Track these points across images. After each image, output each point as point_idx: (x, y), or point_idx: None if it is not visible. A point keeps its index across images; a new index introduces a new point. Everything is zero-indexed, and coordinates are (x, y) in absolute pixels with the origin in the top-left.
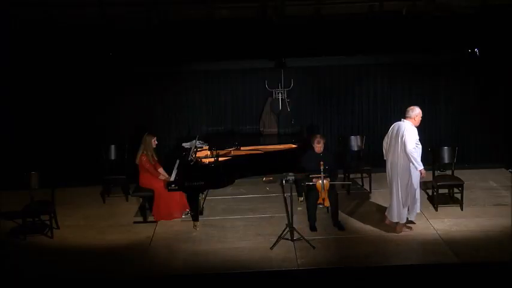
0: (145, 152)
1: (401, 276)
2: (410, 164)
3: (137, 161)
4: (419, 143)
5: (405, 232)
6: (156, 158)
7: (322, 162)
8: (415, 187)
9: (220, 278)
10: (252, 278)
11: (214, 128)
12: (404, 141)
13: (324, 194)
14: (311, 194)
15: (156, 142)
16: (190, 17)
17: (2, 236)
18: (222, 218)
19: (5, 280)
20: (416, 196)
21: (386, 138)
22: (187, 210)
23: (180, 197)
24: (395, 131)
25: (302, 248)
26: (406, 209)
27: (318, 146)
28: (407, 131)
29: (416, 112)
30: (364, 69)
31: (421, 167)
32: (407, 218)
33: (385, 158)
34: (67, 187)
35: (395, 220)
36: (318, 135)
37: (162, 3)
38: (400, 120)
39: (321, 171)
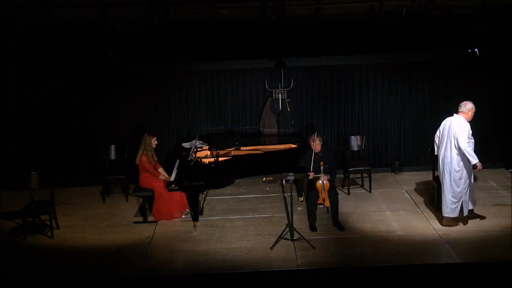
0: (145, 152)
1: (401, 276)
2: (462, 157)
3: (137, 161)
4: (472, 138)
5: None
6: (156, 158)
7: (322, 162)
8: (468, 181)
9: (221, 278)
10: (252, 278)
11: (214, 128)
12: (457, 136)
13: (324, 194)
14: (311, 194)
15: (156, 142)
16: (190, 17)
17: (2, 236)
18: (222, 218)
19: (5, 280)
20: (470, 189)
21: (438, 133)
22: (187, 210)
23: (180, 197)
24: (447, 126)
25: (302, 248)
26: (459, 204)
27: (315, 145)
28: (460, 126)
29: (468, 107)
30: (364, 69)
31: (476, 160)
32: (462, 211)
33: (436, 153)
34: (67, 187)
35: (446, 214)
36: (314, 134)
37: (162, 3)
38: (451, 115)
39: (321, 171)
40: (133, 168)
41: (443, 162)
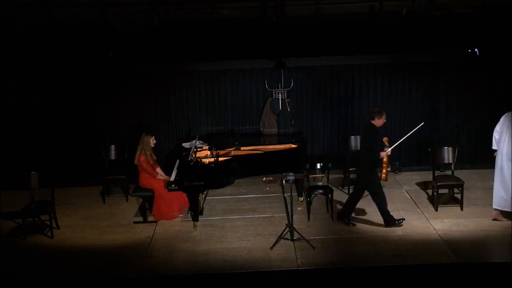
0: (143, 151)
1: (401, 276)
2: None
3: (136, 161)
4: None
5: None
6: (154, 158)
7: (386, 138)
8: None
9: (221, 278)
10: (252, 278)
11: (214, 128)
12: None
13: (386, 169)
14: (376, 188)
15: (154, 141)
16: (190, 17)
17: (2, 236)
18: (222, 218)
19: (5, 280)
20: None
21: (497, 127)
22: (187, 209)
23: (180, 196)
24: (507, 121)
25: (302, 248)
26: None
27: (383, 120)
28: None
29: None
30: (364, 69)
31: None
32: None
33: (494, 148)
34: (67, 187)
35: (495, 206)
36: (383, 111)
37: (162, 3)
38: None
39: (386, 147)
40: (134, 168)
41: (502, 156)
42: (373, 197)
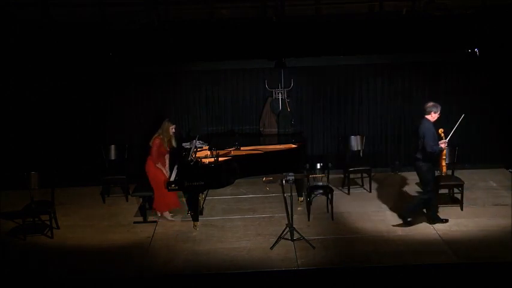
0: (161, 136)
1: (401, 276)
2: None
3: (150, 143)
4: None
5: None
6: (174, 145)
7: (441, 129)
8: None
9: (221, 278)
10: (252, 278)
11: (214, 128)
12: None
13: (445, 161)
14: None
15: (173, 130)
16: (190, 17)
17: (2, 236)
18: (222, 218)
19: (5, 280)
20: None
21: None
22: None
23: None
24: None
25: (302, 248)
26: None
27: (438, 115)
28: None
29: None
30: (364, 69)
31: None
32: None
33: None
34: (67, 187)
35: None
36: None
37: (162, 3)
38: None
39: (442, 139)
40: (134, 168)
41: None
42: (425, 190)
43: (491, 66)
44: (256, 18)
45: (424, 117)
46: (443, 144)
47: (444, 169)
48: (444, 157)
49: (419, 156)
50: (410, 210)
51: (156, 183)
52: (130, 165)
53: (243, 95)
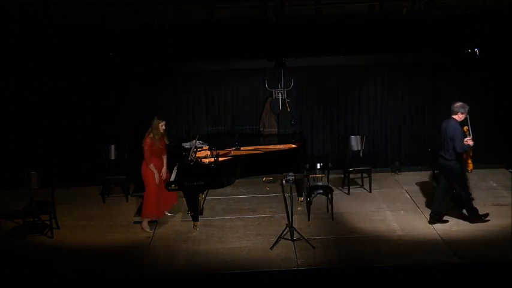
0: (151, 134)
1: (401, 276)
2: None
3: (143, 143)
4: None
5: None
6: (166, 142)
7: (466, 127)
8: None
9: (221, 278)
10: (252, 278)
11: (214, 128)
12: None
13: (470, 159)
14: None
15: (163, 127)
16: (190, 17)
17: (2, 236)
18: (222, 218)
19: (5, 280)
20: None
21: None
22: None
23: (167, 197)
24: None
25: (302, 248)
26: None
27: (465, 115)
28: None
29: None
30: (364, 69)
31: None
32: None
33: None
34: (67, 187)
35: None
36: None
37: (162, 3)
38: None
39: (467, 136)
40: (133, 168)
41: None
42: (461, 191)
43: (491, 66)
44: (256, 18)
45: (450, 117)
46: (470, 141)
47: (470, 166)
48: (471, 154)
49: (449, 157)
50: (470, 213)
51: (145, 186)
52: (130, 165)
53: (243, 95)
